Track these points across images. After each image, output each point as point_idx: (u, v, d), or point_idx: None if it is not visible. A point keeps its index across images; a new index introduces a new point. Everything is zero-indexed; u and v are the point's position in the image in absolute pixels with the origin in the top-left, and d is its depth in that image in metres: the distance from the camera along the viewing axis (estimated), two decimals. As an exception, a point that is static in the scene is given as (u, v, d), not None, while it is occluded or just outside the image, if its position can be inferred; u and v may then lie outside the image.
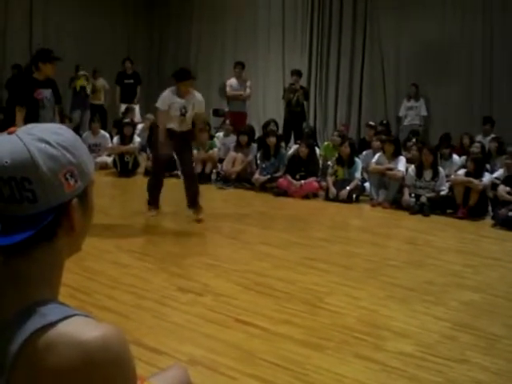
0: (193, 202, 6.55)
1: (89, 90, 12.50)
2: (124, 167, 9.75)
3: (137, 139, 10.16)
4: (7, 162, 0.97)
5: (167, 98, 6.34)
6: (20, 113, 5.85)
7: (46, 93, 6.00)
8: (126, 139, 9.98)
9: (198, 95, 6.51)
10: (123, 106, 12.60)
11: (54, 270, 1.06)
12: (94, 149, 10.23)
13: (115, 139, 10.17)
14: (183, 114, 6.34)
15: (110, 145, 10.34)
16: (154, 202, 6.71)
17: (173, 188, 9.03)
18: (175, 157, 7.50)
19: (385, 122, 11.50)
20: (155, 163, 6.80)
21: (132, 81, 12.78)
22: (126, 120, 11.20)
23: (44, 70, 5.95)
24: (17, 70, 11.71)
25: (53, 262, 1.05)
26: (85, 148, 1.09)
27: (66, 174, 1.01)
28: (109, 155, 10.24)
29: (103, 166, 9.90)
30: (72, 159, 1.03)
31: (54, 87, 6.15)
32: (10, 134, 1.01)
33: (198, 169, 9.40)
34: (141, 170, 9.87)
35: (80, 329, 0.95)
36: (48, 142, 1.01)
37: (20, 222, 0.98)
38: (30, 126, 1.06)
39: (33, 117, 5.76)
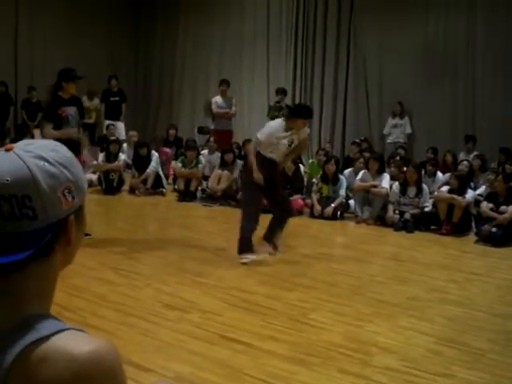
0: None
1: None
2: (109, 185, 9.72)
3: (122, 157, 10.15)
4: (8, 179, 0.97)
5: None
6: (47, 126, 6.05)
7: (71, 110, 6.18)
8: (111, 157, 9.97)
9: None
10: (107, 123, 12.60)
11: (49, 284, 1.06)
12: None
13: (100, 156, 10.14)
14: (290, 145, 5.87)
15: (95, 162, 10.31)
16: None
17: (157, 205, 9.05)
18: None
19: (363, 138, 11.45)
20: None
21: (117, 98, 12.79)
22: (113, 138, 11.18)
23: (67, 88, 6.15)
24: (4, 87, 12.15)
25: (48, 276, 1.05)
26: (79, 165, 1.10)
27: (64, 190, 1.02)
28: (94, 172, 10.21)
29: (88, 184, 9.82)
30: (70, 176, 1.04)
31: (79, 104, 6.40)
32: (7, 150, 1.01)
33: (181, 186, 9.40)
34: (125, 187, 9.86)
35: (72, 343, 0.95)
36: (47, 160, 1.01)
37: (19, 240, 0.97)
38: (25, 142, 1.06)
39: None
